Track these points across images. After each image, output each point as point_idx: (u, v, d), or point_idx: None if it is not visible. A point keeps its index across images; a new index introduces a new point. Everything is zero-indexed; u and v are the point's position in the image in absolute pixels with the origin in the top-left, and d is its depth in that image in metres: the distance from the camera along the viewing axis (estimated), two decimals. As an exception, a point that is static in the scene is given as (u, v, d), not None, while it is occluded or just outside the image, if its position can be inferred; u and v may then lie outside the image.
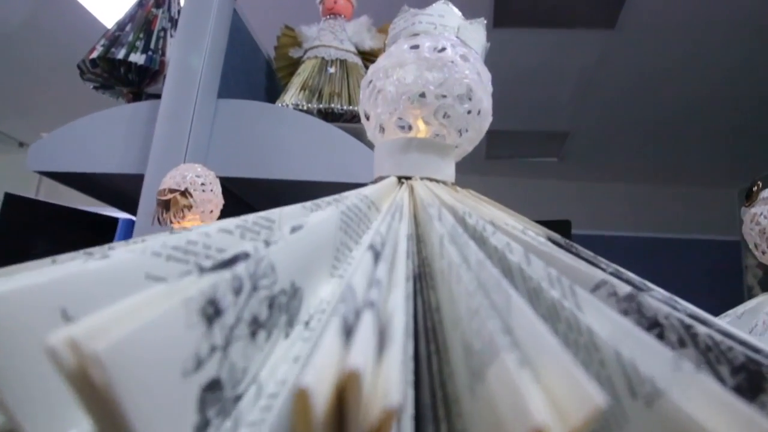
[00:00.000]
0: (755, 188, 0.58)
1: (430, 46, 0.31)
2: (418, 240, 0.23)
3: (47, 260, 0.22)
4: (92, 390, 0.10)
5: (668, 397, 0.12)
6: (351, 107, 1.04)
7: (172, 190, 0.63)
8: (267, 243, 0.16)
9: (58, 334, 0.10)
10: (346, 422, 0.10)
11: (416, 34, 0.33)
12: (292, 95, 1.04)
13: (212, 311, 0.13)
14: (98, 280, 0.14)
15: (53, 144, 1.04)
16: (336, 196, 0.24)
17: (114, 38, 1.09)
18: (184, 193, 0.63)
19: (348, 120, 1.05)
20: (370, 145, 0.97)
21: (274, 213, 0.21)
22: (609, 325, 0.15)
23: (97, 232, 1.27)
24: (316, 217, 0.19)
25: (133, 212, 1.29)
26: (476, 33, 0.33)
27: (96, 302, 0.14)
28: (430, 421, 0.14)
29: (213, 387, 0.13)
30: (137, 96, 1.14)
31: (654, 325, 0.19)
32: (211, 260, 0.14)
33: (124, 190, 1.11)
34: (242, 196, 1.07)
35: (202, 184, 0.65)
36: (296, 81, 1.08)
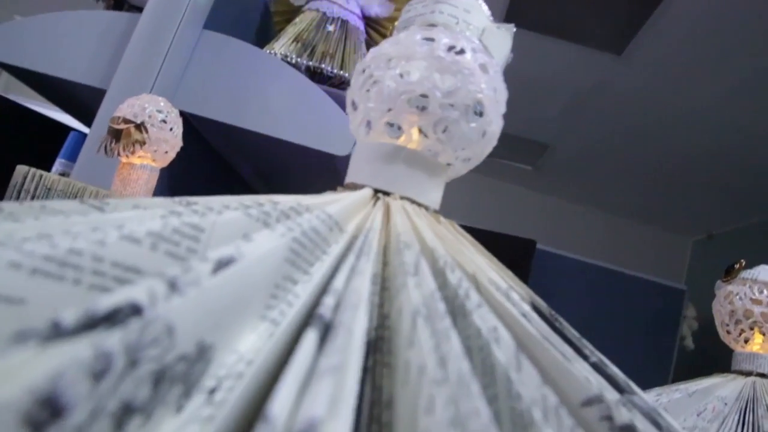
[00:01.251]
0: (737, 266, 0.56)
1: (447, 44, 0.26)
2: (383, 287, 0.18)
3: None
4: None
5: None
6: (342, 72, 0.98)
7: (126, 120, 0.57)
8: (173, 286, 0.11)
9: None
10: None
11: (433, 25, 0.27)
12: (283, 45, 0.97)
13: (46, 415, 0.08)
14: None
15: (15, 35, 0.95)
16: (293, 204, 0.19)
17: (105, -64, 1.00)
18: (140, 127, 0.57)
19: (335, 85, 0.99)
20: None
21: (206, 219, 0.16)
22: None
23: (45, 137, 1.18)
24: (258, 248, 0.14)
25: (89, 124, 1.21)
26: (503, 40, 0.29)
27: None
28: None
29: None
30: (118, 4, 1.06)
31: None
32: (80, 309, 0.10)
33: (83, 100, 1.03)
34: (207, 138, 1.01)
35: (163, 120, 0.59)
36: (290, 30, 1.01)
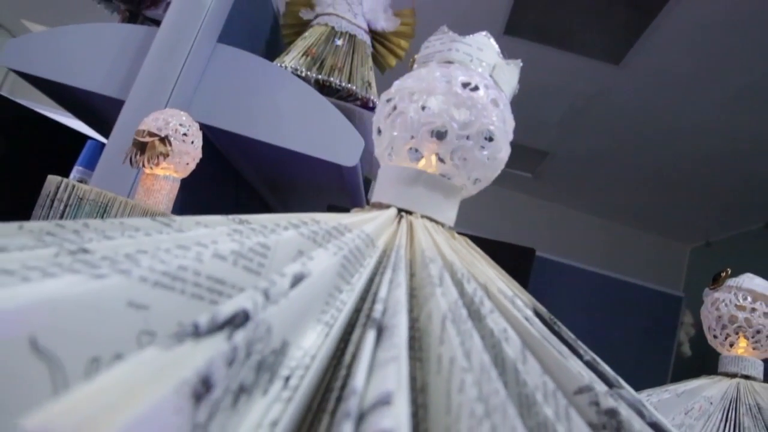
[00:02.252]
0: (723, 274, 0.59)
1: (463, 81, 0.29)
2: (411, 295, 0.21)
3: (14, 226, 0.20)
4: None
5: None
6: (350, 85, 1.02)
7: (151, 134, 0.60)
8: (266, 296, 0.15)
9: (36, 419, 0.09)
10: None
11: (450, 62, 0.31)
12: (293, 58, 1.01)
13: (203, 390, 0.11)
14: (77, 305, 0.13)
15: (35, 45, 0.99)
16: (335, 225, 0.23)
17: (123, -50, 1.03)
18: (164, 140, 0.61)
19: (343, 97, 1.03)
20: (359, 128, 0.95)
21: (269, 239, 0.19)
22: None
23: (62, 145, 1.21)
24: (319, 265, 0.18)
25: (105, 134, 1.25)
26: (510, 75, 0.32)
27: (72, 333, 0.13)
28: None
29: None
30: (133, 17, 1.09)
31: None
32: (207, 316, 0.13)
33: (99, 110, 1.07)
34: (220, 148, 1.04)
35: (184, 134, 0.62)
36: (300, 44, 1.05)
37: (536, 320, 0.24)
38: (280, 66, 1.00)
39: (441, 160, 0.29)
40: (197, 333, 0.13)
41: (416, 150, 0.29)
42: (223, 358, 0.12)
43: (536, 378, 0.18)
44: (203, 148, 0.67)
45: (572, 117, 3.05)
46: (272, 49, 1.21)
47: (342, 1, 1.11)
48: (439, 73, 0.30)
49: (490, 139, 0.30)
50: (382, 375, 0.14)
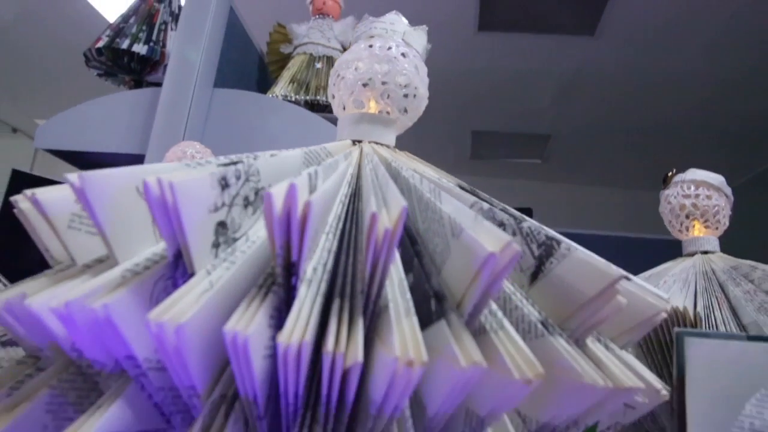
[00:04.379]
0: (670, 174, 0.70)
1: (380, 46, 0.41)
2: (357, 177, 0.33)
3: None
4: (165, 209, 0.20)
5: (466, 232, 0.22)
6: (335, 100, 1.14)
7: (173, 164, 0.74)
8: (255, 157, 0.27)
9: (152, 177, 0.20)
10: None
11: (372, 36, 0.43)
12: (281, 87, 1.15)
13: (224, 183, 0.23)
14: (158, 169, 0.25)
15: (59, 125, 1.14)
16: (306, 150, 0.35)
17: (118, 29, 1.19)
18: (184, 167, 0.74)
19: (332, 111, 1.15)
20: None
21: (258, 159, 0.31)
22: (451, 208, 0.25)
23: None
24: (286, 152, 0.30)
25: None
26: (419, 37, 0.44)
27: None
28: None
29: (222, 225, 0.23)
30: (138, 84, 1.24)
31: (499, 225, 0.29)
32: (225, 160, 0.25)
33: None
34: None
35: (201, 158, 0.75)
36: (286, 74, 1.19)
37: (457, 189, 0.36)
38: (272, 96, 1.13)
39: (376, 102, 0.41)
40: (218, 163, 0.24)
41: (358, 100, 0.41)
42: (232, 173, 0.24)
43: (426, 185, 0.29)
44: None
45: (563, 95, 3.14)
46: (263, 85, 1.35)
47: (315, 30, 1.25)
48: (364, 44, 0.42)
49: (407, 85, 0.41)
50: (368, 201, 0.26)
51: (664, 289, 0.61)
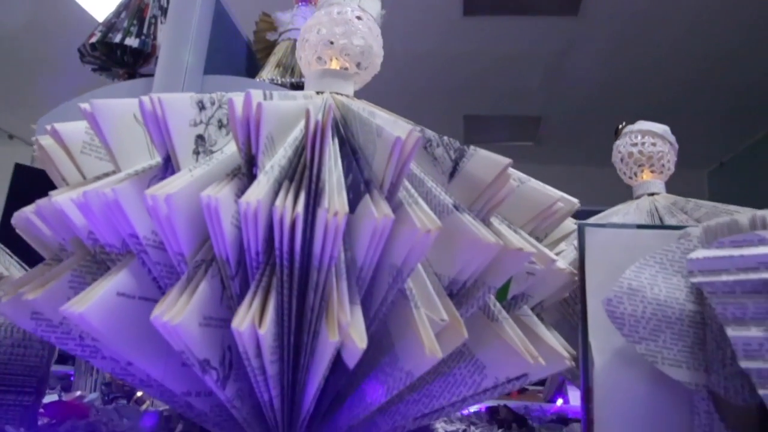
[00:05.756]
0: (620, 126, 0.76)
1: (339, 11, 0.48)
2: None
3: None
4: (156, 119, 0.27)
5: (384, 129, 0.29)
6: (319, 82, 1.21)
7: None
8: (224, 94, 0.33)
9: (145, 101, 0.27)
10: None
11: (332, 5, 0.50)
12: (268, 71, 1.21)
13: (201, 105, 0.30)
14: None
15: (58, 118, 1.20)
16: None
17: (110, 24, 1.25)
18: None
19: (317, 92, 1.22)
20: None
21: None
22: (381, 120, 0.32)
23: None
24: (278, 101, 0.37)
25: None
26: (373, 3, 0.51)
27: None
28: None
29: (201, 138, 0.30)
30: (131, 76, 1.31)
31: (427, 140, 0.36)
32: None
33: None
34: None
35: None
36: (272, 60, 1.25)
37: (401, 121, 0.42)
38: (260, 80, 1.20)
39: (337, 59, 0.48)
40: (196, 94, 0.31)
41: (321, 59, 0.48)
42: (207, 99, 0.31)
43: (366, 114, 0.36)
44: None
45: (551, 76, 3.19)
46: (251, 71, 1.41)
47: (298, 17, 1.31)
48: (324, 11, 0.49)
49: (363, 41, 0.48)
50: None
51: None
